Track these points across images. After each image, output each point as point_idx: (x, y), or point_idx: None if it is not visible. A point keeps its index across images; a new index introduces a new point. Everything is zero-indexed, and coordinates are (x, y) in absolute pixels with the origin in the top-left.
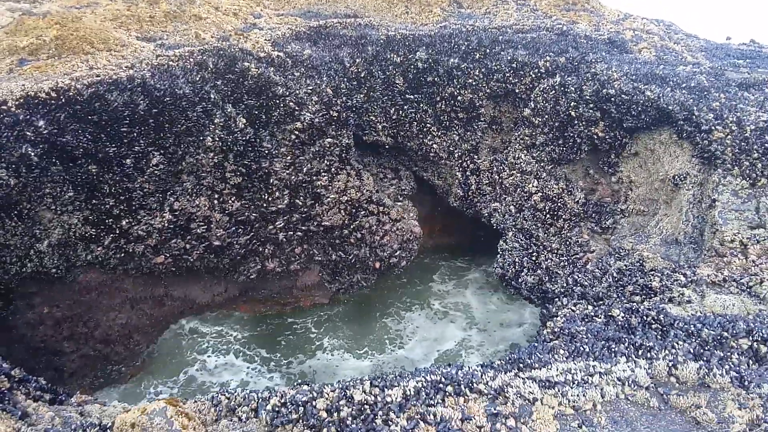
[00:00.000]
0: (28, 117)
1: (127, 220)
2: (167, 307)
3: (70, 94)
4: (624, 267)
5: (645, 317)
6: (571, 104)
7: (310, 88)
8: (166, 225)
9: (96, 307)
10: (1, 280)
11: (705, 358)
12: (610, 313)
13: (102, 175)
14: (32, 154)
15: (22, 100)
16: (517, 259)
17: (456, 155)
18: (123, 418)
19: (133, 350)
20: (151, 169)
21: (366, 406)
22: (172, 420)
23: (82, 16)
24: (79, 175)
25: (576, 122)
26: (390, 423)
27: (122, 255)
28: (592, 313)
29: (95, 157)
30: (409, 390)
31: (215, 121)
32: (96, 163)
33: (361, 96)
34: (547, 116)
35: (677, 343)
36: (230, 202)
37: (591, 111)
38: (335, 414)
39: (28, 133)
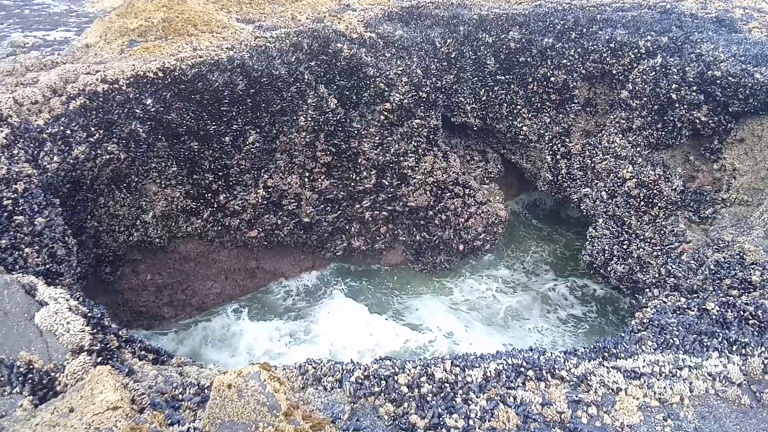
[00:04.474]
0: (138, 95)
1: (224, 195)
2: (258, 279)
3: (176, 74)
4: (722, 259)
5: (742, 312)
6: (673, 86)
7: (400, 69)
8: (260, 201)
9: (194, 276)
10: (110, 248)
11: None
12: (704, 307)
13: (203, 152)
14: (141, 130)
15: (132, 80)
16: (606, 247)
17: (546, 138)
18: (220, 379)
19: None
20: (247, 146)
21: (446, 384)
22: (266, 383)
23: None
24: (182, 151)
25: (677, 105)
26: (470, 402)
27: (219, 228)
28: (685, 306)
29: (197, 134)
30: (490, 371)
31: (308, 101)
32: (198, 140)
33: (451, 77)
34: (645, 99)
35: None
36: (320, 180)
37: (694, 94)
38: (416, 390)
39: (137, 110)
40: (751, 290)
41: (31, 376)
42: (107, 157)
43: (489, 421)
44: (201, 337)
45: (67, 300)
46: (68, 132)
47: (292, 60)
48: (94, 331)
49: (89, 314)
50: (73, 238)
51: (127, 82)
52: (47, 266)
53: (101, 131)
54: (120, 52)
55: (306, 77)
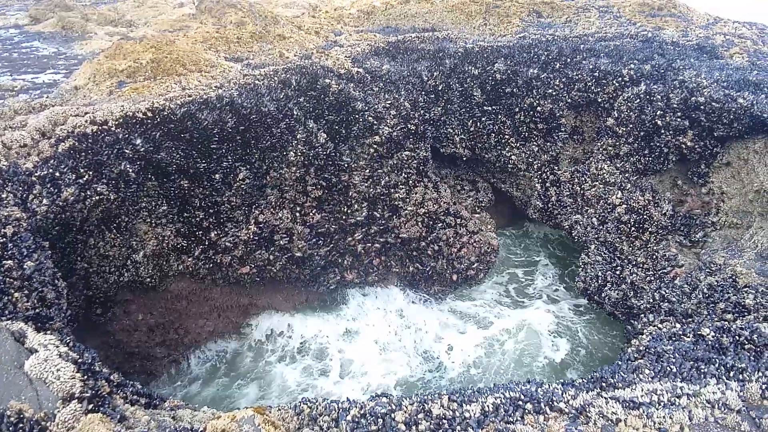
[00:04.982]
0: (127, 136)
1: (215, 232)
2: (251, 315)
3: (165, 113)
4: (715, 283)
5: (737, 337)
6: (658, 113)
7: (389, 102)
8: (252, 237)
9: (186, 314)
10: (101, 289)
11: None
12: (699, 332)
13: (193, 190)
14: (130, 170)
15: (121, 120)
16: (600, 273)
17: (535, 166)
18: (214, 425)
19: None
20: (238, 183)
21: (444, 421)
22: (260, 428)
23: (175, 39)
24: (172, 189)
25: (663, 131)
26: None
27: (211, 265)
28: (680, 332)
29: (187, 172)
30: (488, 406)
31: (298, 136)
32: (188, 178)
33: (439, 109)
34: (631, 125)
35: None
36: (311, 214)
37: (679, 120)
38: (414, 427)
39: (126, 150)
40: (745, 314)
41: (21, 426)
42: (97, 198)
43: None
44: (227, 378)
45: (57, 346)
46: (57, 174)
47: (281, 96)
48: (85, 377)
49: (80, 360)
50: (63, 281)
51: (116, 123)
52: (37, 310)
53: (90, 172)
54: (109, 94)
55: (295, 113)
